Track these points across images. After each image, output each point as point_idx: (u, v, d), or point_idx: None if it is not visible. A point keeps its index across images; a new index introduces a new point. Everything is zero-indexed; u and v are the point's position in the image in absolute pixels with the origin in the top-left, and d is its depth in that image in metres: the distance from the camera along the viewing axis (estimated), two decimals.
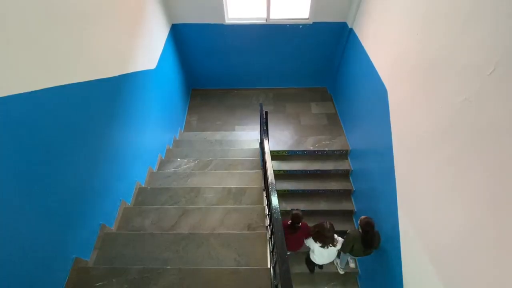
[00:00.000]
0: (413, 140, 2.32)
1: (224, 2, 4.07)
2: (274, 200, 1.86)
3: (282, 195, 4.03)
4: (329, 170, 4.09)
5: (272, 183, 2.07)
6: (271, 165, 2.32)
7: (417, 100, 2.26)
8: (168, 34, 4.07)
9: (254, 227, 2.45)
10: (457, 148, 1.77)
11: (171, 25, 4.23)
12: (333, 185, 4.02)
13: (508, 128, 1.40)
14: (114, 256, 2.11)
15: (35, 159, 1.48)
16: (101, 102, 2.15)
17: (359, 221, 2.90)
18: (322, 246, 2.87)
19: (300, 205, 3.95)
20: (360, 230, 2.87)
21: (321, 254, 3.00)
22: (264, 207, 2.64)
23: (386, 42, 2.96)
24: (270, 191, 1.98)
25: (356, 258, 3.55)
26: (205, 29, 4.40)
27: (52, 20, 1.60)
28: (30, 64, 1.44)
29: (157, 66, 3.46)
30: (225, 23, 4.31)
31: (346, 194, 4.03)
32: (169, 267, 1.97)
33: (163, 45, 3.78)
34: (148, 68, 3.17)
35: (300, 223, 2.88)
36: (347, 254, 3.15)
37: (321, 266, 3.57)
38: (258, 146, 4.13)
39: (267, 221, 2.42)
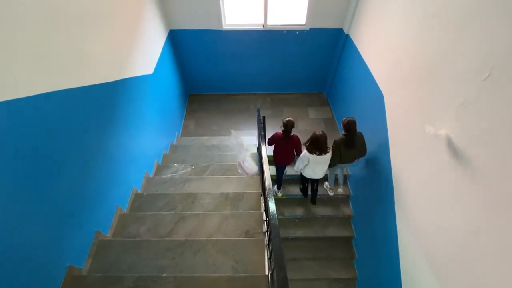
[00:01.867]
0: (410, 144, 2.32)
1: (221, 8, 4.10)
2: (272, 206, 1.84)
3: (279, 200, 4.00)
4: (326, 175, 4.08)
5: (269, 188, 2.06)
6: (268, 170, 2.31)
7: (414, 104, 2.27)
8: (166, 40, 4.08)
9: (251, 234, 2.42)
10: (454, 152, 1.77)
11: (168, 30, 4.24)
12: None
13: (504, 132, 1.41)
14: (109, 264, 2.07)
15: (29, 164, 1.46)
16: (98, 107, 2.13)
17: (342, 123, 3.00)
18: (319, 154, 2.93)
19: (298, 211, 3.93)
20: (344, 133, 2.97)
21: (315, 165, 3.07)
22: (261, 212, 2.62)
23: (382, 48, 2.99)
24: (267, 197, 1.97)
25: (348, 166, 3.63)
26: (203, 35, 4.43)
27: (50, 25, 1.60)
28: (26, 69, 1.43)
29: (154, 71, 3.46)
30: (222, 29, 4.34)
31: (344, 199, 4.02)
32: (165, 275, 1.93)
33: (160, 50, 3.79)
34: (145, 74, 3.16)
35: (292, 133, 3.09)
36: (335, 169, 3.38)
37: (315, 185, 3.65)
38: (255, 151, 4.12)
39: (265, 227, 2.39)
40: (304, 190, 3.84)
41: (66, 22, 1.76)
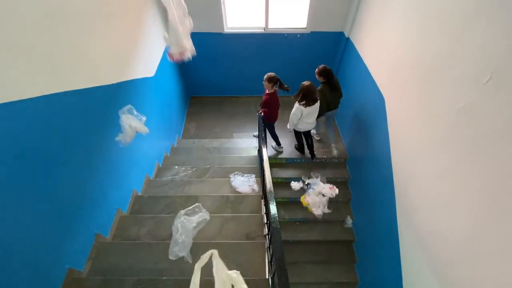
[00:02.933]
0: (411, 148, 2.32)
1: (223, 12, 4.13)
2: (273, 209, 1.84)
3: (280, 203, 3.99)
4: (327, 178, 4.07)
5: (270, 191, 2.06)
6: (269, 173, 2.30)
7: (415, 108, 2.27)
8: None
9: (252, 237, 2.41)
10: (455, 155, 1.77)
11: None
12: None
13: (506, 135, 1.41)
14: (109, 267, 2.06)
15: (30, 166, 1.46)
16: (99, 109, 2.14)
17: (317, 73, 3.35)
18: (312, 105, 3.19)
19: (298, 214, 3.91)
20: (322, 80, 3.36)
21: (307, 116, 3.28)
22: (262, 215, 2.61)
23: (383, 51, 2.99)
24: (268, 199, 1.97)
25: (334, 115, 3.99)
26: (204, 38, 4.44)
27: (51, 27, 1.61)
28: (28, 70, 1.43)
29: (155, 74, 3.47)
30: (224, 32, 4.36)
31: (345, 202, 4.00)
32: (164, 278, 1.92)
33: (162, 53, 3.80)
34: (147, 76, 3.17)
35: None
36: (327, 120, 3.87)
37: (309, 139, 3.91)
38: (256, 153, 4.12)
39: (266, 230, 2.38)
40: (301, 147, 4.05)
41: (68, 23, 1.76)
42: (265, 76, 3.31)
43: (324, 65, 3.32)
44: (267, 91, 3.39)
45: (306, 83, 3.10)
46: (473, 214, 1.61)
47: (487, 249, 1.51)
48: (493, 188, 1.48)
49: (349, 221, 3.77)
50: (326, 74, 3.27)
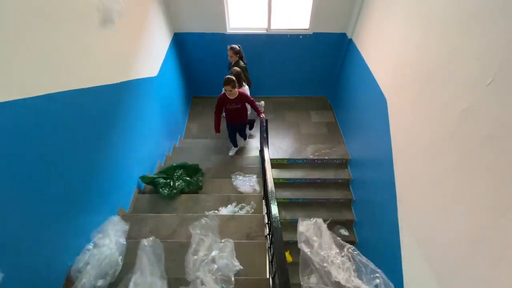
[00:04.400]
0: (413, 149, 2.31)
1: (225, 12, 4.14)
2: (274, 209, 1.84)
3: (281, 203, 3.99)
4: (329, 178, 4.07)
5: (272, 191, 2.06)
6: (271, 173, 2.31)
7: (417, 109, 2.27)
8: (170, 43, 4.12)
9: (253, 236, 2.42)
10: (457, 157, 1.77)
11: (173, 33, 4.29)
12: (333, 194, 3.99)
13: (508, 137, 1.40)
14: None
15: (32, 165, 1.47)
16: (101, 108, 2.15)
17: (234, 54, 3.71)
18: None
19: (299, 215, 3.91)
20: (236, 60, 3.73)
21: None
22: (263, 215, 2.61)
23: (385, 52, 2.99)
24: (269, 200, 1.97)
25: None
26: (207, 38, 4.47)
27: (55, 27, 1.62)
28: (31, 69, 1.45)
29: (158, 74, 3.49)
30: (226, 33, 4.38)
31: (346, 203, 4.00)
32: (166, 276, 1.92)
33: (165, 53, 3.82)
34: (150, 76, 3.19)
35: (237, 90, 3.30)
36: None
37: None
38: (258, 154, 4.12)
39: (267, 230, 2.38)
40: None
41: (73, 23, 1.78)
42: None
43: (235, 45, 3.67)
44: (240, 90, 3.40)
45: (234, 69, 3.44)
46: (476, 216, 1.60)
47: (490, 250, 1.51)
48: (496, 190, 1.47)
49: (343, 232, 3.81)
50: (241, 52, 3.75)
